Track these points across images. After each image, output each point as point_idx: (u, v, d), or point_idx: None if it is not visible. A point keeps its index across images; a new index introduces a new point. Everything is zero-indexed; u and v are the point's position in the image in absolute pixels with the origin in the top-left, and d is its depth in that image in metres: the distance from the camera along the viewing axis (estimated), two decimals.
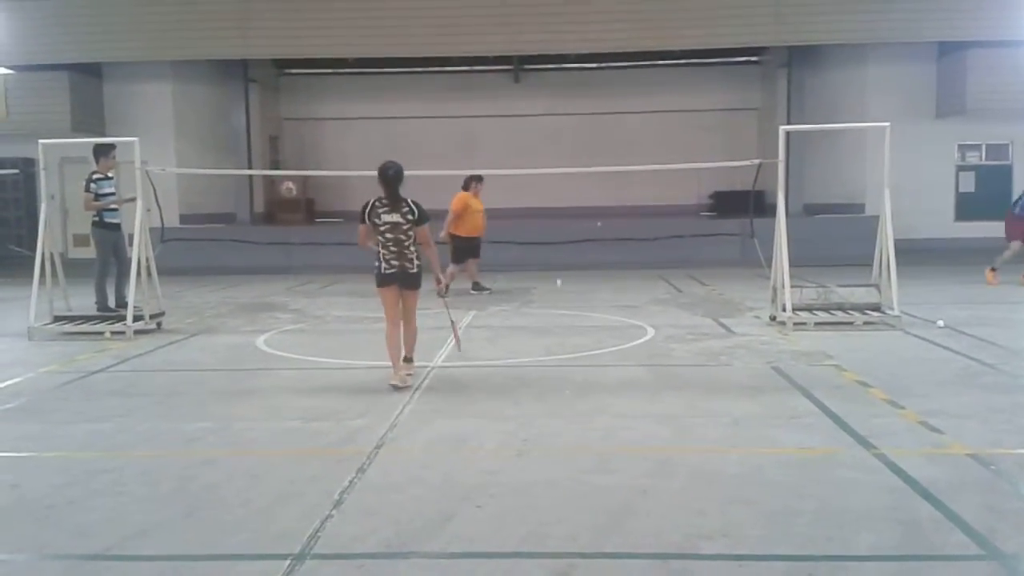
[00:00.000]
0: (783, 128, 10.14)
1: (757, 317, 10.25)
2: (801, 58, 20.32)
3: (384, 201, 6.81)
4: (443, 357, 8.03)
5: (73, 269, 11.20)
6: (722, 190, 21.56)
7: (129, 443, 5.61)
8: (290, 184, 21.43)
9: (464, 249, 12.71)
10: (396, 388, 6.79)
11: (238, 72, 20.81)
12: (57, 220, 17.90)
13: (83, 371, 7.85)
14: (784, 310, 9.46)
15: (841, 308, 9.91)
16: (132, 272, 9.78)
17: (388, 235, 6.81)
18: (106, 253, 10.47)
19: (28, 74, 18.68)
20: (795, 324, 9.37)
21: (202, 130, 20.46)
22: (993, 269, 12.89)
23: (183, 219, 18.66)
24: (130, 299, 9.85)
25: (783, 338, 8.91)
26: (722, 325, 9.86)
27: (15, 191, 20.21)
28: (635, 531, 4.02)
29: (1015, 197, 14.20)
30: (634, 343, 8.88)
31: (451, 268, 12.49)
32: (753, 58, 22.25)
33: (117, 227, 10.57)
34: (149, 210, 10.00)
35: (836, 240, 16.53)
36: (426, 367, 7.56)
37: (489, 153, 20.57)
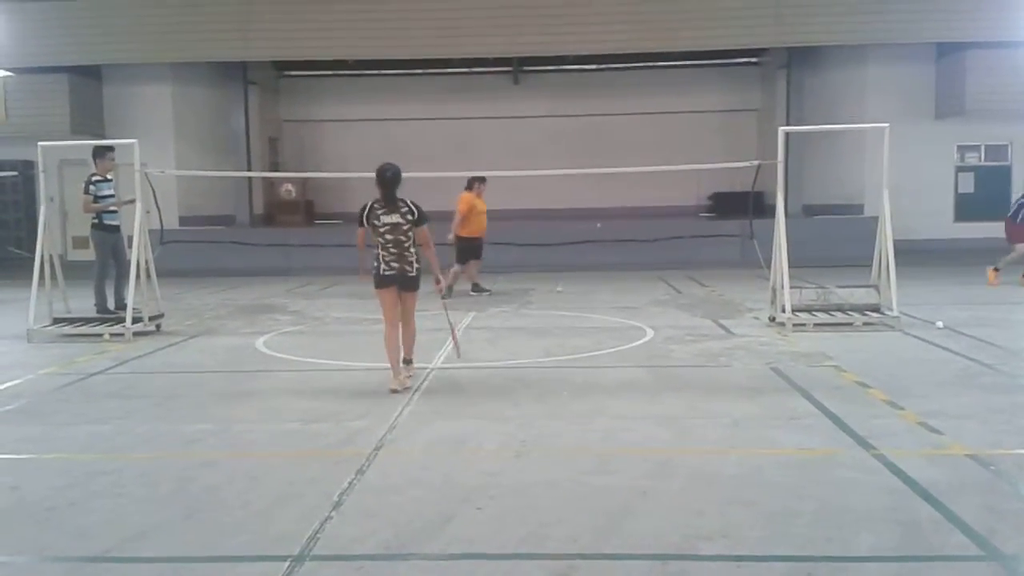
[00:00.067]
0: (782, 129, 10.15)
1: (756, 318, 10.25)
2: (800, 59, 20.33)
3: (383, 203, 6.81)
4: (442, 358, 8.03)
5: (72, 271, 11.19)
6: (721, 191, 21.57)
7: (129, 445, 5.61)
8: (289, 186, 21.44)
9: (467, 250, 12.74)
10: (396, 393, 6.78)
11: (238, 74, 20.82)
12: (56, 222, 17.91)
13: (82, 373, 7.84)
14: (783, 311, 9.47)
15: (840, 309, 9.92)
16: (131, 274, 9.78)
17: (388, 236, 6.80)
18: (105, 255, 10.47)
19: (28, 76, 18.68)
20: (794, 325, 9.37)
21: (201, 132, 20.46)
22: (996, 269, 12.90)
23: (182, 221, 18.67)
24: (129, 301, 9.85)
25: (782, 339, 8.91)
26: (721, 326, 9.86)
27: (14, 193, 20.21)
28: (635, 532, 4.02)
29: (1013, 201, 14.16)
30: (633, 344, 8.88)
31: (455, 268, 12.54)
32: (752, 59, 22.26)
33: (116, 229, 10.57)
34: (148, 212, 10.00)
35: (835, 241, 16.53)
36: (425, 368, 7.56)
37: (488, 155, 20.56)
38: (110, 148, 10.70)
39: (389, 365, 6.97)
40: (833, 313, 9.79)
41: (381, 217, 6.79)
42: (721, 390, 6.82)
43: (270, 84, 23.13)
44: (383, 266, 6.87)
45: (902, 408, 6.09)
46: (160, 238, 10.53)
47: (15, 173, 20.02)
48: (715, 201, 22.10)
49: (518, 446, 5.37)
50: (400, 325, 7.01)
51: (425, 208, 6.89)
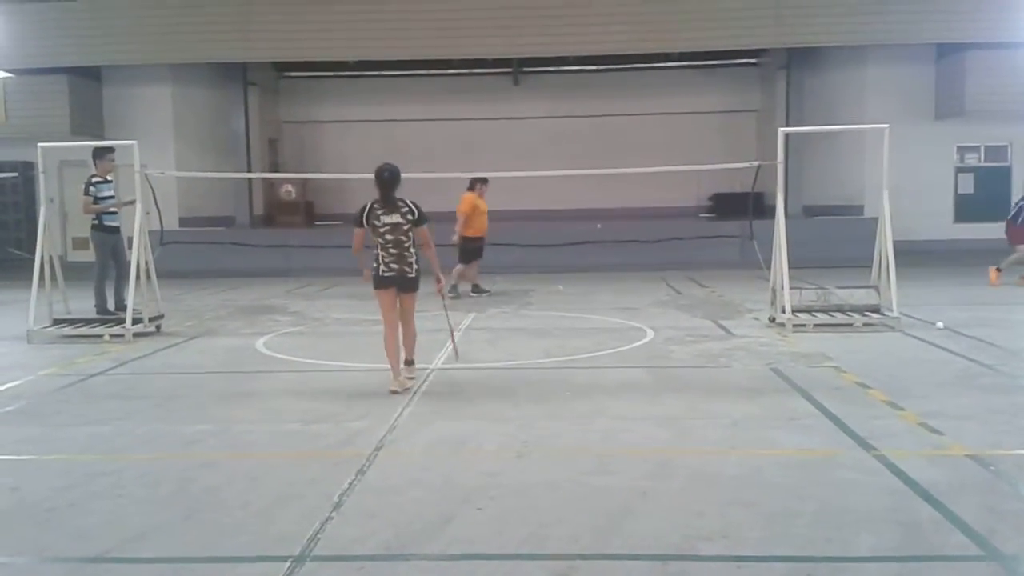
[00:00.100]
0: (782, 130, 10.15)
1: (756, 319, 10.26)
2: (800, 60, 20.34)
3: (382, 203, 6.79)
4: (442, 359, 8.03)
5: (72, 272, 11.19)
6: (721, 192, 21.57)
7: (129, 446, 5.61)
8: (289, 187, 21.46)
9: (470, 250, 12.78)
10: (396, 394, 6.77)
11: (237, 75, 20.82)
12: (56, 223, 17.91)
13: (82, 374, 7.84)
14: (783, 312, 9.47)
15: (840, 310, 9.92)
16: (131, 275, 9.78)
17: (388, 237, 6.78)
18: (105, 256, 10.47)
19: (27, 77, 18.69)
20: (794, 326, 9.37)
21: (201, 133, 20.47)
22: (999, 269, 12.91)
23: (182, 222, 18.67)
24: (129, 302, 9.86)
25: (782, 340, 8.91)
26: (721, 327, 9.86)
27: (14, 194, 20.22)
28: (635, 532, 4.02)
29: (1013, 204, 14.16)
30: (634, 345, 8.88)
31: (459, 267, 12.60)
32: (752, 60, 22.27)
33: (116, 230, 10.57)
34: (148, 213, 10.00)
35: (835, 242, 16.53)
36: (426, 369, 7.56)
37: (489, 155, 20.56)
38: (110, 149, 10.70)
39: (389, 366, 6.96)
40: (833, 314, 9.80)
41: (381, 217, 6.77)
42: (721, 391, 6.82)
43: (270, 85, 23.14)
44: (382, 267, 6.86)
45: (902, 409, 6.09)
46: (160, 239, 10.53)
47: (15, 174, 20.03)
48: (715, 202, 22.11)
49: (518, 447, 5.37)
50: (400, 326, 7.00)
51: (424, 209, 6.88)
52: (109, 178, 10.49)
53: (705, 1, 17.86)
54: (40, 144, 10.15)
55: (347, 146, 22.61)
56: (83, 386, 7.40)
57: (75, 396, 7.05)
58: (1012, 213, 13.36)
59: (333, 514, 4.29)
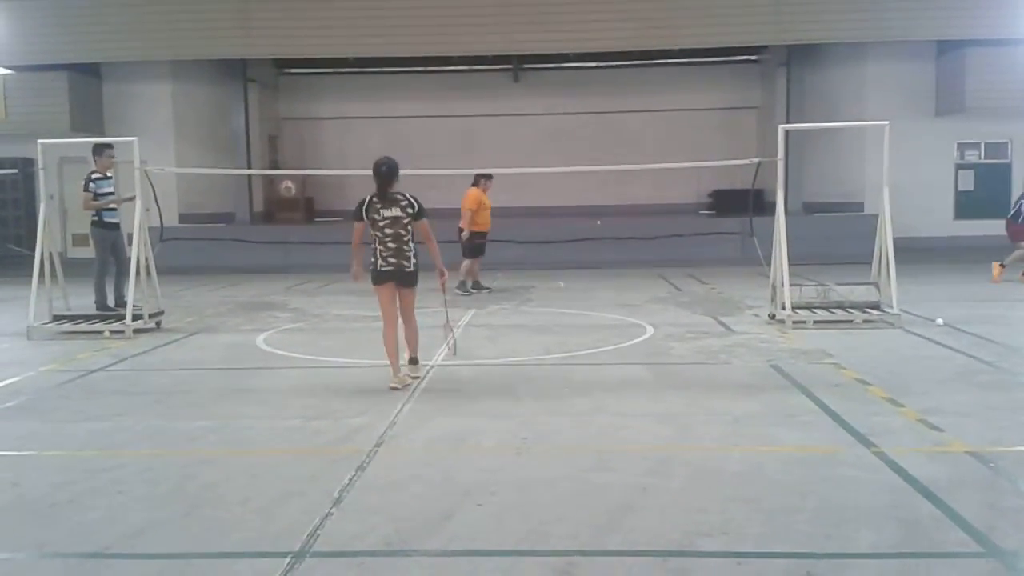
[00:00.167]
0: (782, 127, 10.14)
1: (756, 315, 10.25)
2: (800, 57, 20.33)
3: (381, 197, 6.76)
4: (442, 356, 8.03)
5: (72, 268, 11.20)
6: (722, 189, 21.56)
7: (129, 442, 5.61)
8: (289, 183, 21.45)
9: (476, 246, 12.82)
10: (396, 390, 6.77)
11: (237, 72, 20.81)
12: (56, 220, 17.90)
13: (82, 370, 7.84)
14: (783, 308, 9.47)
15: (840, 306, 9.91)
16: (131, 271, 9.78)
17: (387, 231, 6.75)
18: (105, 252, 10.46)
19: (27, 74, 18.68)
20: (794, 322, 9.37)
21: (201, 130, 20.45)
22: (1002, 265, 12.91)
23: (182, 218, 18.68)
24: (129, 298, 9.85)
25: (782, 336, 8.91)
26: (721, 323, 9.86)
27: (14, 191, 20.21)
28: (635, 529, 4.02)
29: (1013, 201, 14.15)
30: (634, 341, 8.88)
31: (466, 263, 12.67)
32: (752, 57, 22.24)
33: (116, 226, 10.56)
34: (148, 209, 9.99)
35: (835, 238, 16.55)
36: (426, 365, 7.55)
37: (489, 152, 20.56)
38: (109, 146, 10.69)
39: (389, 362, 6.96)
40: (833, 310, 9.79)
41: (381, 211, 6.74)
42: (721, 387, 6.82)
43: (270, 82, 23.12)
44: (380, 262, 6.83)
45: (902, 405, 6.09)
46: (160, 235, 10.53)
47: (15, 171, 20.03)
48: (715, 199, 22.09)
49: (518, 443, 5.37)
50: (399, 323, 6.98)
51: (425, 206, 6.86)
52: (109, 174, 10.48)
53: None
54: (40, 140, 10.14)
55: (347, 143, 22.59)
56: (83, 382, 7.40)
57: (75, 392, 7.05)
58: (1012, 212, 13.35)
59: (333, 510, 4.29)
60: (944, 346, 8.26)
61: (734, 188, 19.85)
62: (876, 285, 9.79)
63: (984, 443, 5.18)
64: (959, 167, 19.67)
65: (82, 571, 3.78)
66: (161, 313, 10.20)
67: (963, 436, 5.32)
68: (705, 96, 22.64)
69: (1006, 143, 19.49)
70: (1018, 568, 3.66)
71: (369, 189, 6.89)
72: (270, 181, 21.79)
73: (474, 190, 12.76)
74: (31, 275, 9.71)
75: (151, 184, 10.06)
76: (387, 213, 6.74)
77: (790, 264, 9.55)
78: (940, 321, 9.40)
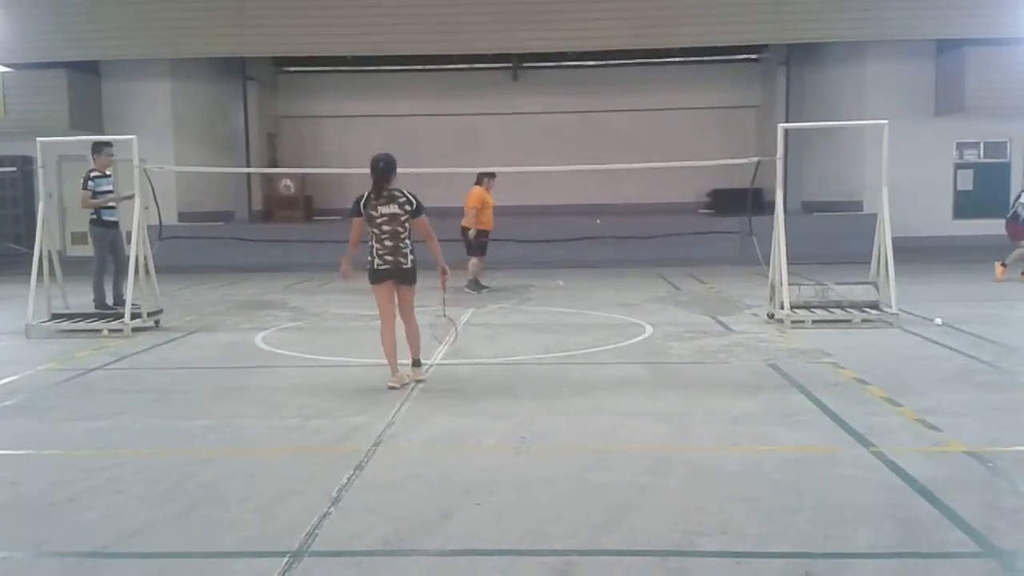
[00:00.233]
0: (782, 126, 10.15)
1: (755, 315, 10.26)
2: (800, 56, 20.32)
3: (378, 193, 6.72)
4: (441, 355, 8.03)
5: (71, 267, 11.20)
6: (721, 188, 21.54)
7: (127, 441, 5.61)
8: (288, 182, 21.42)
9: (480, 244, 12.83)
10: (394, 389, 6.76)
11: (236, 70, 20.78)
12: (55, 218, 17.93)
13: (81, 369, 7.84)
14: (782, 308, 9.47)
15: (839, 306, 9.91)
16: (130, 270, 9.78)
17: (385, 228, 6.71)
18: (104, 251, 10.46)
19: (26, 72, 18.66)
20: (793, 322, 9.37)
21: (200, 128, 20.43)
22: (1004, 264, 12.91)
23: (181, 217, 18.67)
24: (128, 297, 9.85)
25: (781, 336, 8.91)
26: (720, 323, 9.86)
27: (13, 189, 20.18)
28: (634, 528, 4.02)
29: (1012, 201, 14.15)
30: (632, 341, 8.88)
31: (473, 261, 12.74)
32: (752, 56, 22.22)
33: (115, 225, 10.55)
34: (147, 208, 9.99)
35: (834, 238, 16.55)
36: (425, 365, 7.54)
37: (488, 151, 20.54)
38: (108, 144, 10.69)
39: (387, 361, 6.95)
40: (832, 310, 9.79)
41: (378, 208, 6.69)
42: (720, 387, 6.82)
43: (269, 80, 23.09)
44: (377, 260, 6.77)
45: (901, 405, 6.09)
46: (159, 234, 10.53)
47: (13, 169, 19.98)
48: (714, 198, 22.08)
49: (517, 442, 5.37)
50: (398, 322, 6.96)
51: (424, 204, 6.84)
52: (108, 173, 10.47)
53: None
54: (39, 139, 10.14)
55: (346, 141, 22.56)
56: (82, 381, 7.40)
57: (73, 391, 7.05)
58: (1011, 212, 13.35)
59: (331, 510, 4.29)
60: (943, 346, 8.27)
61: (733, 187, 19.81)
62: (875, 285, 9.79)
63: (982, 443, 5.18)
64: (958, 166, 19.66)
65: (80, 570, 3.78)
66: (160, 312, 10.20)
67: (961, 436, 5.32)
68: (704, 95, 22.62)
69: (1005, 143, 19.48)
70: (1016, 568, 3.66)
71: (368, 186, 6.86)
72: (269, 179, 21.77)
73: (478, 188, 12.76)
74: (30, 273, 9.71)
75: (150, 182, 10.05)
76: (385, 210, 6.70)
77: (789, 263, 9.55)
78: (939, 321, 9.40)
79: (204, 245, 17.44)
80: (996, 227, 14.09)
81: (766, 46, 20.98)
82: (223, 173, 20.17)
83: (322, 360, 8.24)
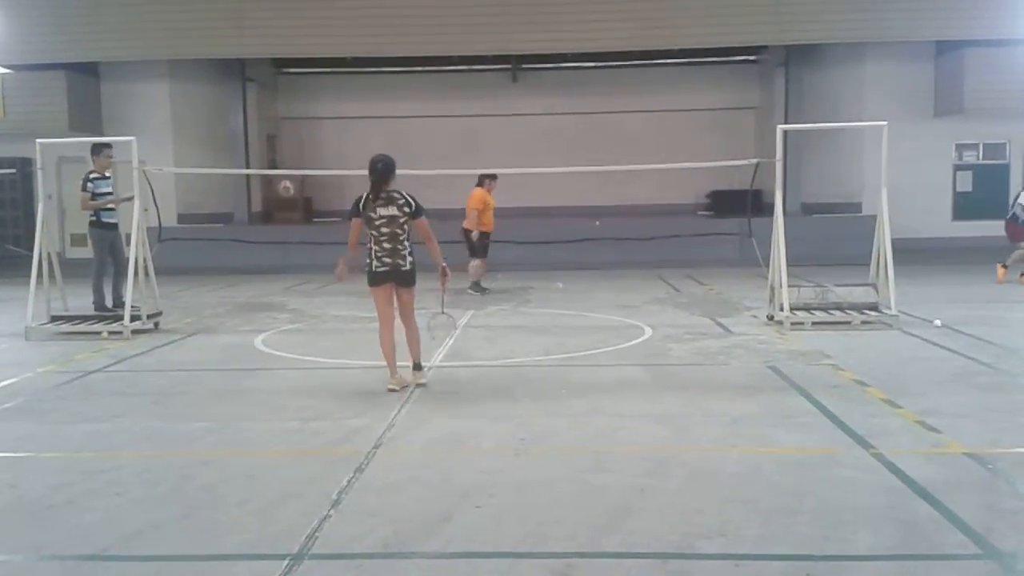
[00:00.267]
0: (781, 127, 10.14)
1: (755, 316, 10.26)
2: (799, 57, 20.33)
3: (377, 195, 6.70)
4: (441, 357, 8.03)
5: (70, 269, 11.18)
6: (720, 189, 21.55)
7: (127, 443, 5.61)
8: (288, 183, 21.43)
9: (482, 245, 12.84)
10: (393, 391, 6.76)
11: (236, 71, 20.79)
12: (54, 220, 17.92)
13: (80, 371, 7.84)
14: (782, 310, 9.47)
15: (839, 308, 9.92)
16: (129, 272, 9.77)
17: (384, 230, 6.69)
18: (103, 253, 10.45)
19: (25, 73, 18.65)
20: (793, 324, 9.37)
21: (200, 129, 20.44)
22: (1005, 266, 12.92)
23: (181, 218, 18.67)
24: (127, 299, 9.84)
25: (781, 338, 8.91)
26: (720, 325, 9.86)
27: (12, 191, 20.19)
28: (633, 530, 4.02)
29: (1011, 202, 14.14)
30: (632, 343, 8.88)
31: (474, 262, 12.72)
32: (751, 57, 22.24)
33: (114, 227, 10.55)
34: (147, 209, 9.99)
35: (834, 239, 16.56)
36: (424, 367, 7.54)
37: (487, 152, 20.53)
38: (108, 145, 10.68)
39: (386, 364, 6.94)
40: (831, 312, 9.79)
41: (378, 209, 6.66)
42: (719, 388, 6.82)
43: (268, 81, 23.10)
44: (375, 262, 6.75)
45: (900, 407, 6.09)
46: (158, 235, 10.53)
47: (13, 170, 19.99)
48: (713, 199, 22.09)
49: (517, 444, 5.37)
50: (397, 325, 6.94)
51: (423, 206, 6.84)
52: (107, 174, 10.46)
53: None
54: (38, 140, 10.13)
55: (345, 142, 22.55)
56: (81, 383, 7.39)
57: (73, 393, 7.04)
58: (1010, 213, 13.35)
59: (331, 512, 4.29)
60: (942, 347, 8.27)
61: (732, 189, 19.84)
62: (874, 286, 9.79)
63: (982, 444, 5.18)
64: (957, 168, 19.68)
65: (80, 573, 3.77)
66: (159, 314, 10.19)
67: (961, 437, 5.32)
68: (704, 96, 22.63)
69: (1004, 144, 19.50)
70: (1016, 570, 3.66)
71: (367, 188, 6.85)
72: (269, 181, 21.77)
73: (479, 190, 12.76)
74: (29, 275, 9.70)
75: (149, 184, 10.05)
76: (383, 212, 6.68)
77: (788, 265, 9.55)
78: (938, 322, 9.41)
79: (203, 247, 17.44)
80: (995, 228, 14.09)
81: (765, 47, 20.99)
82: (222, 175, 20.17)
83: (322, 362, 8.23)
